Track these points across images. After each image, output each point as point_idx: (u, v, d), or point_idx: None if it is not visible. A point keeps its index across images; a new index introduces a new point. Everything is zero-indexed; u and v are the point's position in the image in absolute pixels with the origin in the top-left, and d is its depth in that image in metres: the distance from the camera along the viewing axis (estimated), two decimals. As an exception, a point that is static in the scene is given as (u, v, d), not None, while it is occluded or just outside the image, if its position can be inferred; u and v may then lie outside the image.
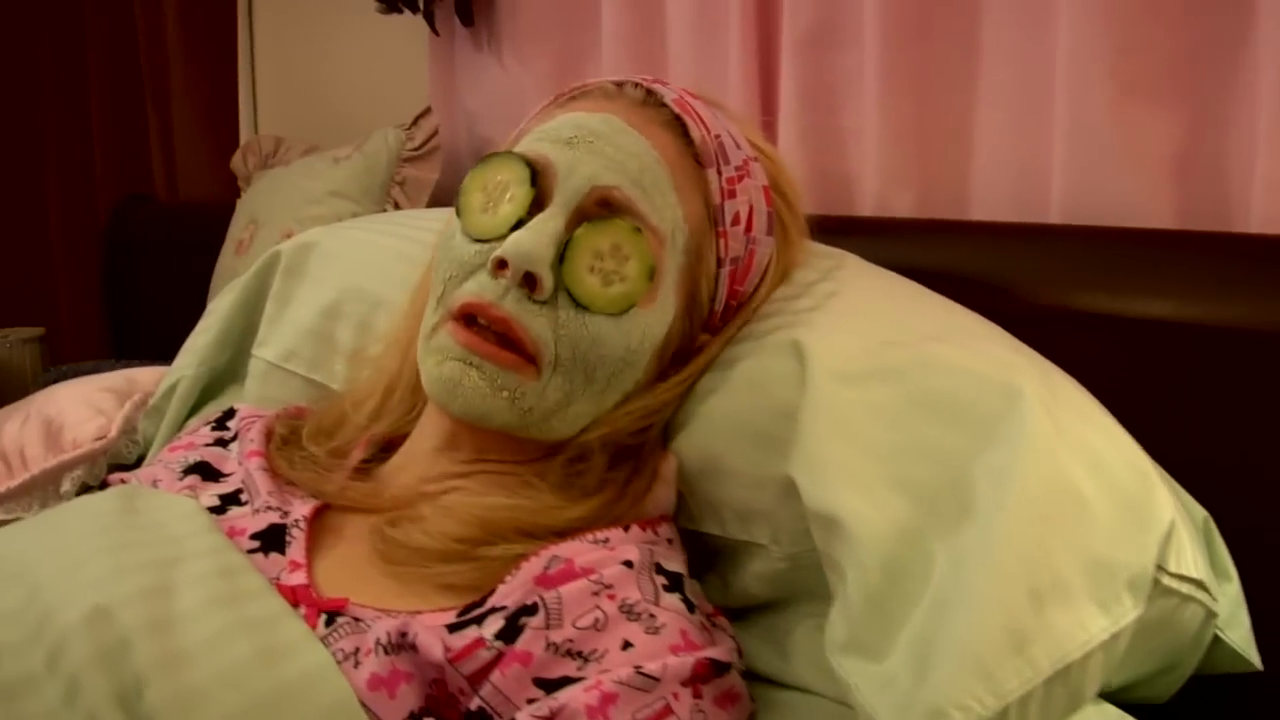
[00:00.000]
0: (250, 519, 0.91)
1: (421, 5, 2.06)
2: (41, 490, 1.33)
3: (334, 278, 1.28)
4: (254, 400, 1.24)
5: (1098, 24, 1.24)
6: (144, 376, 1.50)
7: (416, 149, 1.98)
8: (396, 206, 1.97)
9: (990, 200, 1.41)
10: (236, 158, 2.36)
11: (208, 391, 1.36)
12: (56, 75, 3.02)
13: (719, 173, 0.97)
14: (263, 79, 2.68)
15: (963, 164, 1.43)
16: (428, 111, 2.02)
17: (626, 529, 0.90)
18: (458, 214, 0.96)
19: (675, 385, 1.00)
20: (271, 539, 0.89)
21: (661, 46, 1.70)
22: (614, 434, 0.97)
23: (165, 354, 2.33)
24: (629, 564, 0.84)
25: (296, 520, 0.90)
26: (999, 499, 0.80)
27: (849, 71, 1.49)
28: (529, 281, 0.90)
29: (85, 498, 0.97)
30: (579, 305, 0.91)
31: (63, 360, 2.92)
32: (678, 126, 0.97)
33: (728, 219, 0.98)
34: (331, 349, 1.24)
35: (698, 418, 0.99)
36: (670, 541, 0.93)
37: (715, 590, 0.97)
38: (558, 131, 0.95)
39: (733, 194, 0.98)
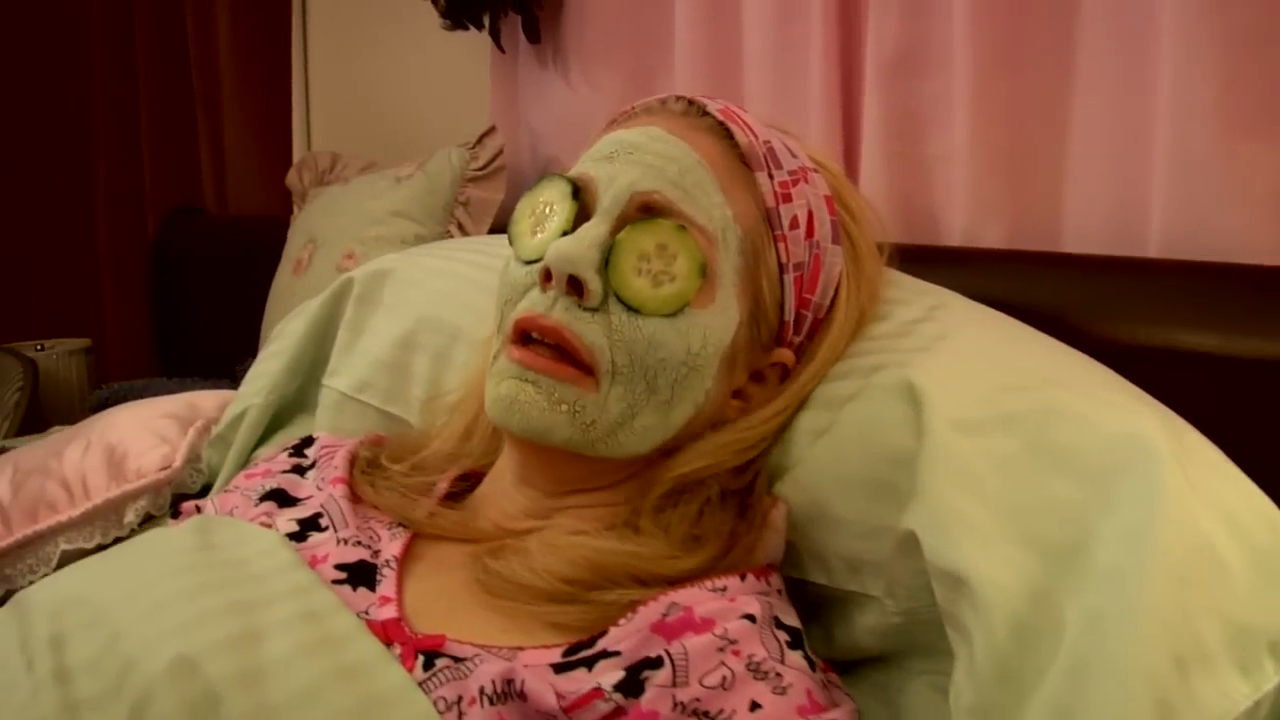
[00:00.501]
0: (334, 548, 0.89)
1: (487, 22, 2.03)
2: (104, 520, 1.31)
3: (410, 307, 1.26)
4: (327, 431, 1.21)
5: (1203, 54, 1.21)
6: (206, 401, 1.47)
7: (481, 169, 1.95)
8: (460, 227, 1.95)
9: (1084, 232, 1.37)
10: (292, 174, 2.34)
11: (276, 420, 1.34)
12: (106, 85, 3.03)
13: (770, 176, 0.95)
14: (316, 93, 2.67)
15: (1055, 194, 1.39)
16: (492, 130, 1.99)
17: (743, 578, 0.87)
18: (510, 244, 0.97)
19: (771, 418, 0.98)
20: (360, 575, 0.87)
21: (738, 66, 1.67)
22: (710, 471, 0.94)
23: (212, 369, 2.34)
24: (751, 618, 0.81)
25: (388, 560, 0.88)
26: (1136, 560, 0.77)
27: (935, 97, 1.46)
28: (575, 287, 0.89)
29: (159, 531, 0.96)
30: (630, 309, 0.89)
31: (109, 373, 2.94)
32: (722, 131, 0.96)
33: (785, 223, 0.95)
34: (407, 381, 1.22)
35: (805, 462, 0.96)
36: (780, 592, 0.91)
37: (819, 642, 0.93)
38: (599, 150, 0.96)
39: (788, 198, 0.96)
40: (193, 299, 2.66)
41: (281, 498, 0.98)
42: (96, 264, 3.09)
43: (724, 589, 0.85)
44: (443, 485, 1.01)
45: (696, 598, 0.83)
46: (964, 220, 1.44)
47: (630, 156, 0.93)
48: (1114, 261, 1.28)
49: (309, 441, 1.10)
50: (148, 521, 1.33)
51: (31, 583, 1.27)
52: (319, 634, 0.77)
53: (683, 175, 0.92)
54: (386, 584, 0.86)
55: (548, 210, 0.95)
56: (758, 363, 0.98)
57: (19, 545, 1.30)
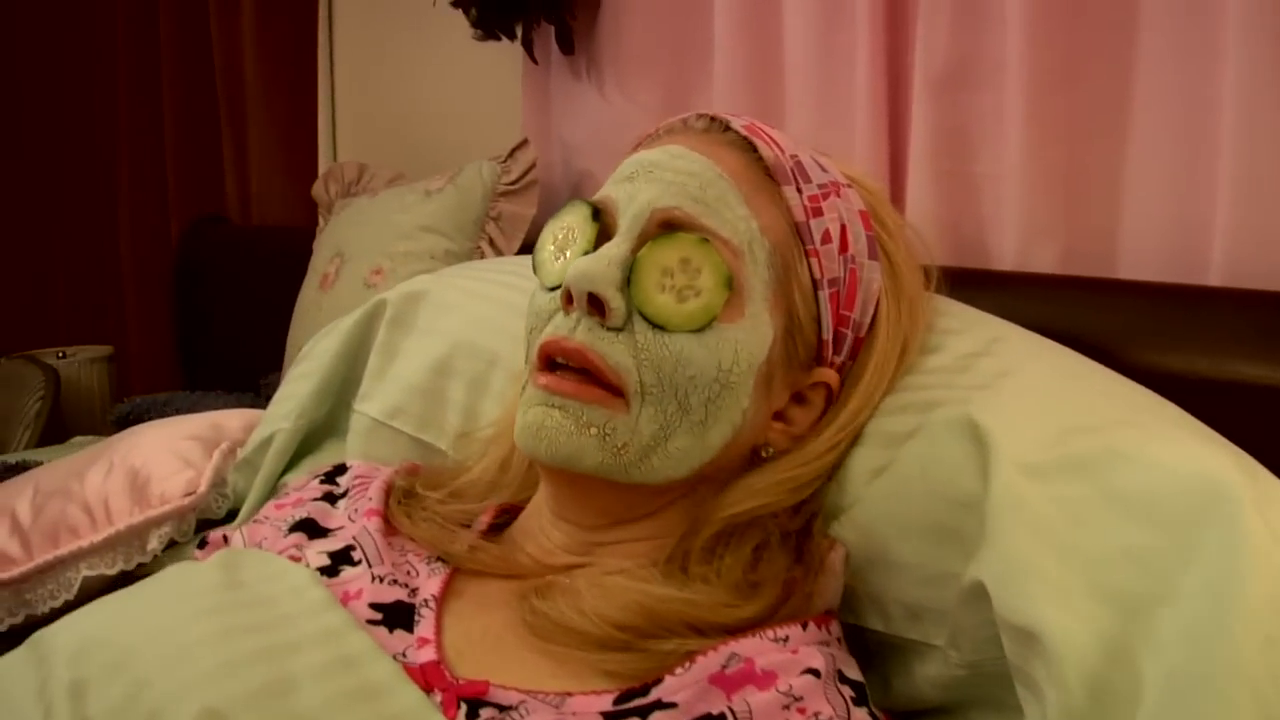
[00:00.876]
0: (369, 584, 0.86)
1: (519, 33, 1.99)
2: (126, 545, 1.29)
3: (445, 331, 1.24)
4: (357, 458, 1.18)
5: (1269, 69, 1.17)
6: (231, 422, 1.45)
7: (512, 183, 1.93)
8: (491, 243, 1.92)
9: (1141, 257, 1.33)
10: (318, 185, 2.31)
11: (304, 445, 1.31)
12: (130, 92, 3.02)
13: (799, 190, 0.93)
14: (343, 102, 2.65)
15: (1112, 216, 1.35)
16: (524, 143, 1.97)
17: (804, 626, 0.84)
18: (535, 271, 0.96)
19: (824, 452, 0.94)
20: (397, 616, 0.83)
21: (779, 77, 1.63)
22: (763, 510, 0.91)
23: (236, 381, 2.32)
24: (815, 673, 0.78)
25: (426, 599, 0.85)
26: (1219, 617, 0.72)
27: (986, 113, 1.42)
28: (597, 307, 0.87)
29: (185, 566, 0.91)
30: (656, 326, 0.87)
31: (131, 382, 2.92)
32: (746, 145, 0.94)
33: (816, 237, 0.92)
34: (442, 407, 1.20)
35: (862, 501, 0.93)
36: (840, 641, 0.88)
37: (875, 691, 0.89)
38: (620, 172, 0.95)
39: (818, 211, 0.93)
40: (216, 308, 2.64)
41: (311, 528, 0.95)
42: (119, 272, 3.08)
43: (786, 639, 0.82)
44: (484, 518, 0.98)
45: (758, 648, 0.80)
46: (1015, 243, 1.40)
47: (650, 175, 0.91)
48: (1173, 289, 1.24)
49: (342, 469, 1.07)
50: (171, 547, 1.31)
51: (52, 609, 1.26)
52: (354, 683, 0.74)
53: (704, 189, 0.90)
54: (425, 624, 0.82)
55: (570, 235, 0.94)
56: (798, 383, 0.94)
57: (39, 570, 1.28)
